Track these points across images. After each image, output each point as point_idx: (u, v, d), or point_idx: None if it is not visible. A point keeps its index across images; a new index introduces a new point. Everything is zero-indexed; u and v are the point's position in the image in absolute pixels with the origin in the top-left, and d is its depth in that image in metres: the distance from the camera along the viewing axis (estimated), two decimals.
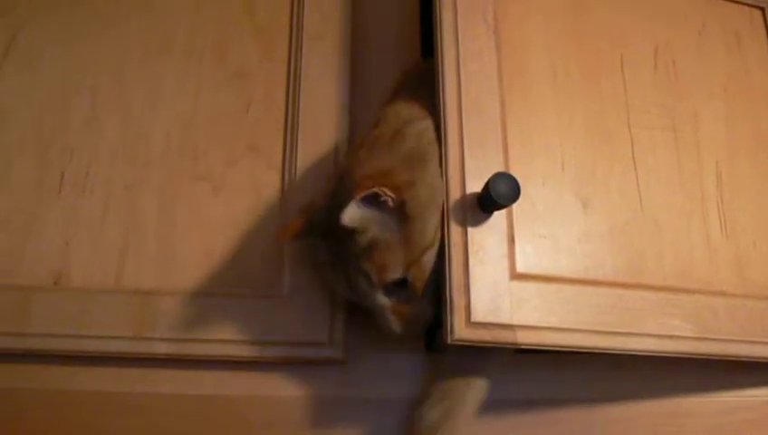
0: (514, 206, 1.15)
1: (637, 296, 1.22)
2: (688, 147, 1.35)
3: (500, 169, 1.17)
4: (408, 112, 1.24)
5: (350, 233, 1.10)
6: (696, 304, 1.25)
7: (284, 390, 1.28)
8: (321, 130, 1.41)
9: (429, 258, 1.13)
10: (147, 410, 1.28)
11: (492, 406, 1.28)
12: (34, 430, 1.27)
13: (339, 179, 1.17)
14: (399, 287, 1.14)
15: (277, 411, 1.28)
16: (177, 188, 1.38)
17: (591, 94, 1.32)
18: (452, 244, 1.13)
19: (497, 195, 1.10)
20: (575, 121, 1.29)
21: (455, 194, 1.16)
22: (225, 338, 1.28)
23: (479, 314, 1.11)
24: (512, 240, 1.17)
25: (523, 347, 1.14)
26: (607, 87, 1.34)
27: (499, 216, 1.16)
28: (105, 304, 1.30)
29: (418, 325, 1.18)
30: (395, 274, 1.11)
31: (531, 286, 1.16)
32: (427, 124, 1.21)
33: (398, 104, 1.29)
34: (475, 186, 1.16)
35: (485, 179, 1.13)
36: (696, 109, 1.39)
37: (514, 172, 1.14)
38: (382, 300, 1.15)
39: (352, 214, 1.08)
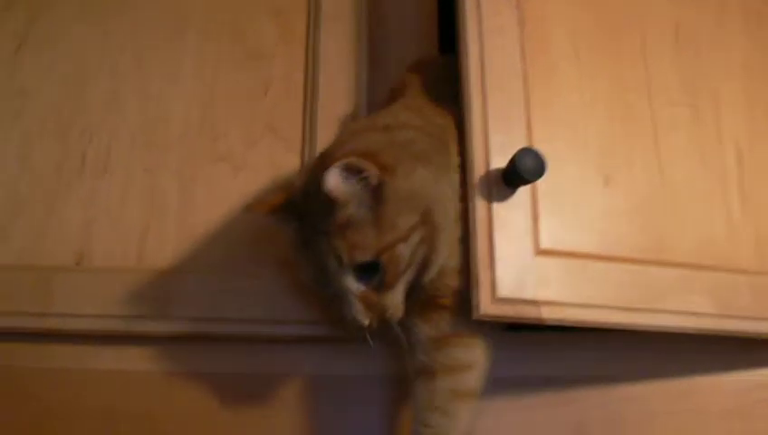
0: (538, 182, 1.14)
1: (659, 273, 1.22)
2: (709, 125, 1.35)
3: (524, 144, 1.16)
4: (405, 117, 1.23)
5: (326, 207, 1.04)
6: (717, 282, 1.25)
7: (301, 368, 1.28)
8: (340, 111, 1.41)
9: (403, 252, 1.06)
10: (168, 388, 1.30)
11: (510, 384, 1.29)
12: (56, 408, 1.28)
13: (319, 159, 1.13)
14: (370, 273, 1.07)
15: (294, 389, 1.29)
16: (197, 168, 1.39)
17: (613, 72, 1.31)
18: (477, 219, 1.13)
19: (524, 170, 1.10)
20: (597, 99, 1.28)
21: (479, 170, 1.16)
22: (243, 317, 1.29)
23: (504, 289, 1.11)
24: (536, 216, 1.17)
25: (547, 323, 1.13)
26: (628, 65, 1.33)
27: (523, 192, 1.16)
28: (126, 283, 1.29)
29: (384, 319, 1.10)
30: (365, 255, 1.04)
31: (555, 262, 1.15)
32: (419, 136, 1.17)
33: (395, 105, 1.29)
34: (499, 161, 1.16)
35: (509, 155, 1.13)
36: (717, 88, 1.38)
37: (538, 148, 1.14)
38: (351, 283, 1.07)
39: (335, 180, 1.03)
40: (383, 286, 1.07)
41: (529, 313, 1.12)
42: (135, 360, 1.31)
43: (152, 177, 1.37)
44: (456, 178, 1.17)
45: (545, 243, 1.16)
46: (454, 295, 1.15)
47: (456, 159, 1.19)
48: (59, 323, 1.30)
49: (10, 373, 1.30)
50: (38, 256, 1.34)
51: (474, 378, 1.14)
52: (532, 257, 1.14)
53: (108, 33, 1.49)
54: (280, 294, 1.27)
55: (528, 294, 1.12)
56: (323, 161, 1.08)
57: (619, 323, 1.18)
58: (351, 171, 1.03)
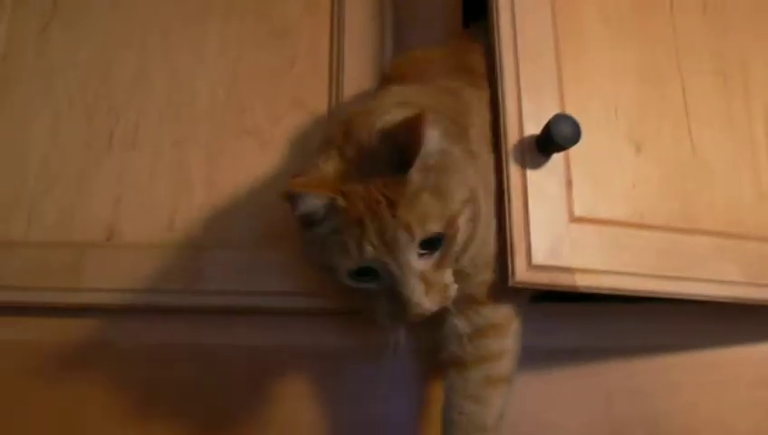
0: (570, 150, 1.15)
1: (690, 241, 1.22)
2: (738, 92, 1.34)
3: (556, 111, 1.17)
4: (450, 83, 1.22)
5: (392, 176, 0.96)
6: (748, 250, 1.25)
7: (330, 339, 1.28)
8: (366, 85, 1.41)
9: (462, 226, 0.99)
10: (197, 361, 1.31)
11: (537, 355, 1.29)
12: (91, 380, 1.29)
13: (380, 134, 1.01)
14: (432, 248, 0.99)
15: (323, 361, 1.30)
16: (224, 143, 1.39)
17: (643, 42, 1.31)
18: (511, 186, 1.14)
19: (559, 136, 1.10)
20: (628, 67, 1.29)
21: (513, 137, 1.16)
22: (271, 290, 1.29)
23: (539, 256, 1.12)
24: (569, 184, 1.17)
25: (581, 291, 1.14)
26: (657, 31, 1.33)
27: (557, 159, 1.17)
28: (156, 258, 1.30)
29: (444, 300, 1.02)
30: (436, 225, 0.96)
31: (588, 229, 1.16)
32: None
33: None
34: (532, 128, 1.16)
35: (542, 123, 1.14)
36: (746, 57, 1.37)
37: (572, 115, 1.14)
38: (415, 261, 0.98)
39: (433, 139, 0.97)
40: (441, 264, 1.00)
41: (564, 280, 1.13)
42: (166, 333, 1.32)
43: (180, 152, 1.38)
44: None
45: (579, 210, 1.17)
46: (489, 289, 1.14)
47: (476, 147, 1.15)
48: (91, 298, 1.30)
49: (45, 348, 1.31)
50: (69, 233, 1.35)
51: (505, 365, 1.14)
52: (567, 225, 1.15)
53: (134, 12, 1.49)
54: (308, 266, 1.27)
55: (563, 261, 1.13)
56: (361, 127, 1.02)
57: (652, 290, 1.18)
58: (437, 133, 0.98)
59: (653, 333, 1.35)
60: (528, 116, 1.17)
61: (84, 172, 1.38)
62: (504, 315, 1.14)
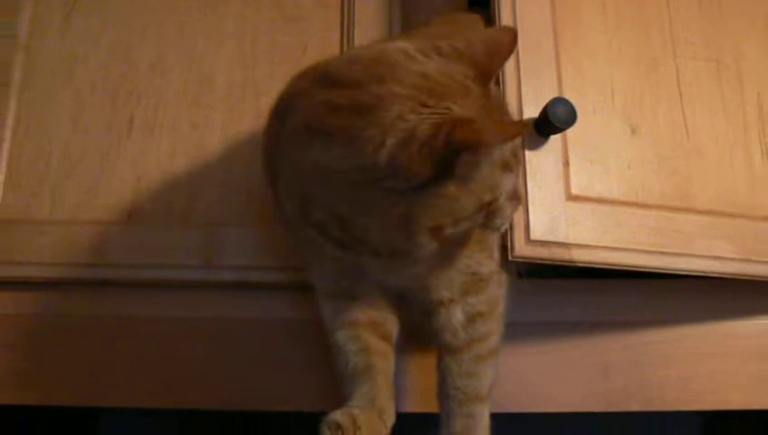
0: (568, 132, 1.21)
1: (684, 219, 1.28)
2: (731, 78, 1.39)
3: (554, 94, 1.22)
4: None
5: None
6: (740, 228, 1.30)
7: None
8: None
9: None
10: (215, 335, 1.36)
11: (536, 328, 1.35)
12: (112, 351, 1.36)
13: None
14: None
15: None
16: (241, 125, 1.45)
17: (639, 28, 1.36)
18: None
19: (555, 118, 1.16)
20: (623, 52, 1.34)
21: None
22: (286, 265, 1.35)
23: (537, 232, 1.18)
24: (566, 164, 1.23)
25: (578, 265, 1.19)
26: (654, 20, 1.38)
27: (554, 140, 1.22)
28: (176, 236, 1.36)
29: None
30: None
31: (585, 207, 1.22)
32: None
33: None
34: (531, 111, 1.22)
35: (541, 106, 1.19)
36: (739, 40, 1.42)
37: (568, 98, 1.19)
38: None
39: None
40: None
41: (561, 255, 1.18)
42: (185, 307, 1.37)
43: (198, 134, 1.44)
44: None
45: (576, 189, 1.22)
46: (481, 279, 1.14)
47: None
48: (114, 274, 1.38)
49: (69, 321, 1.38)
50: (92, 212, 1.41)
51: (493, 341, 1.16)
52: (564, 202, 1.21)
53: (140, 7, 1.55)
54: None
55: (560, 236, 1.19)
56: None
57: (646, 265, 1.23)
58: None
59: (649, 307, 1.40)
60: (527, 100, 1.22)
61: (106, 154, 1.44)
62: (492, 300, 1.15)
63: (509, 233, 1.16)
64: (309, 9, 1.52)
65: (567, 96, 1.21)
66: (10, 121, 1.46)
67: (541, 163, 1.21)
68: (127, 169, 1.42)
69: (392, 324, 1.18)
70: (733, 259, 1.28)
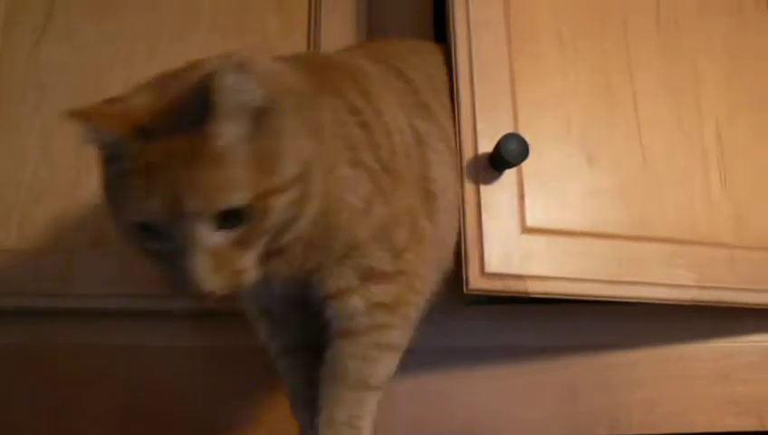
0: (524, 164, 1.22)
1: (642, 248, 1.30)
2: (689, 105, 1.42)
3: (510, 129, 1.24)
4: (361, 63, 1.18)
5: (191, 128, 0.81)
6: (698, 255, 1.33)
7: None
8: None
9: (280, 205, 0.85)
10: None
11: (505, 353, 1.36)
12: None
13: (191, 67, 0.91)
14: (235, 222, 0.83)
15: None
16: None
17: (596, 55, 1.38)
18: (465, 201, 1.21)
19: (508, 154, 1.18)
20: (581, 82, 1.36)
21: (468, 154, 1.23)
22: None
23: (492, 265, 1.20)
24: (522, 196, 1.25)
25: (533, 296, 1.21)
26: (611, 47, 1.40)
27: (510, 174, 1.24)
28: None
29: (236, 285, 0.86)
30: (239, 198, 0.81)
31: (540, 239, 1.24)
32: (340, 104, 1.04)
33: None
34: (486, 146, 1.24)
35: (496, 140, 1.21)
36: (697, 68, 1.45)
37: (524, 132, 1.22)
38: (205, 234, 0.82)
39: (230, 82, 0.80)
40: (245, 243, 0.86)
41: (516, 286, 1.20)
42: (149, 335, 1.39)
43: None
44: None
45: (531, 221, 1.24)
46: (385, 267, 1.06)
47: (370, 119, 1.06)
48: (79, 303, 1.38)
49: (37, 349, 1.39)
50: (59, 240, 1.42)
51: (396, 334, 1.07)
52: (519, 235, 1.23)
53: (122, 27, 1.56)
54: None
55: (514, 269, 1.21)
56: (196, 69, 0.87)
57: (603, 295, 1.26)
58: (246, 78, 0.82)
59: (615, 331, 1.42)
60: (482, 134, 1.24)
61: (74, 185, 1.45)
62: (397, 297, 1.06)
63: (463, 266, 1.18)
64: (275, 39, 1.53)
65: (523, 129, 1.25)
66: None
67: (495, 197, 1.23)
68: (94, 198, 1.41)
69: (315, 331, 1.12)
70: (691, 286, 1.31)
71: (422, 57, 1.33)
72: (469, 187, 1.22)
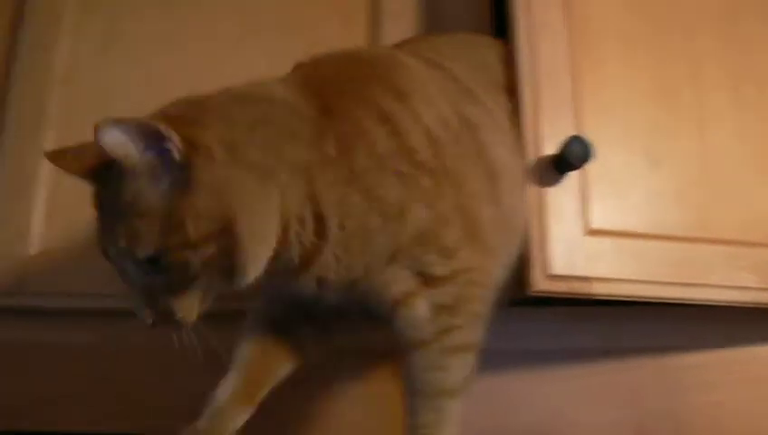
0: (588, 166, 1.23)
1: (705, 250, 1.29)
2: (753, 105, 1.40)
3: (573, 132, 1.24)
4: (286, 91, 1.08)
5: (119, 177, 0.88)
6: (761, 257, 1.32)
7: None
8: None
9: (192, 259, 0.88)
10: None
11: (570, 355, 1.37)
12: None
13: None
14: (155, 269, 0.89)
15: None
16: None
17: (659, 63, 1.37)
18: (529, 203, 1.22)
19: (572, 157, 1.19)
20: (644, 84, 1.35)
21: (531, 156, 1.24)
22: None
23: (556, 267, 1.20)
24: (585, 199, 1.25)
25: (597, 298, 1.22)
26: (675, 49, 1.39)
27: (573, 176, 1.24)
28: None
29: (171, 322, 0.94)
30: (145, 250, 0.87)
31: (604, 241, 1.24)
32: (285, 116, 1.01)
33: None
34: (549, 148, 1.24)
35: (559, 142, 1.21)
36: (762, 66, 1.44)
37: (586, 135, 1.21)
38: (135, 274, 0.90)
39: (115, 139, 0.85)
40: (174, 288, 0.91)
41: (581, 288, 1.21)
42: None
43: None
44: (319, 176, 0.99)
45: (595, 223, 1.24)
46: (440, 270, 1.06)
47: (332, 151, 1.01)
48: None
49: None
50: None
51: (464, 335, 1.08)
52: (582, 237, 1.23)
53: (186, 33, 1.59)
54: None
55: (579, 270, 1.21)
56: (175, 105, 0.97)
57: (666, 297, 1.26)
58: (149, 137, 0.86)
59: (681, 333, 1.42)
60: (546, 137, 1.25)
61: None
62: (460, 297, 1.07)
63: (527, 269, 1.19)
64: (336, 43, 1.54)
65: (586, 131, 1.24)
66: None
67: (559, 199, 1.23)
68: None
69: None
70: (752, 288, 1.30)
71: (472, 50, 1.35)
72: (533, 189, 1.22)
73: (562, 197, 1.23)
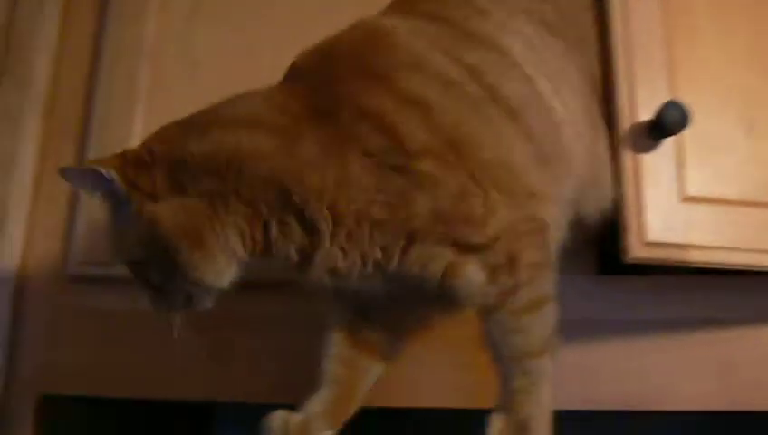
0: (684, 133, 1.21)
1: None
2: None
3: (668, 98, 1.22)
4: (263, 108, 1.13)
5: None
6: None
7: None
8: None
9: (152, 273, 1.07)
10: None
11: (665, 325, 1.34)
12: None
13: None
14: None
15: None
16: None
17: (754, 21, 1.35)
18: (624, 169, 1.22)
19: (669, 122, 1.17)
20: (739, 49, 1.33)
21: (626, 122, 1.23)
22: None
23: (653, 234, 1.19)
24: (681, 165, 1.24)
25: (694, 266, 1.21)
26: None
27: (669, 142, 1.23)
28: None
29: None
30: (120, 259, 1.08)
31: (700, 208, 1.23)
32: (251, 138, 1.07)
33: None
34: (644, 114, 1.23)
35: (654, 109, 1.20)
36: None
37: (681, 101, 1.20)
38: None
39: (73, 181, 1.08)
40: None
41: (678, 255, 1.20)
42: None
43: None
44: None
45: (691, 190, 1.23)
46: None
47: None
48: None
49: None
50: None
51: (530, 292, 1.06)
52: (679, 203, 1.22)
53: (273, 6, 1.58)
54: None
55: (676, 238, 1.20)
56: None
57: (762, 265, 1.24)
58: (96, 179, 1.02)
59: None
60: (640, 103, 1.23)
61: None
62: (509, 252, 1.05)
63: (623, 236, 1.18)
64: None
65: (681, 98, 1.22)
66: (138, 129, 1.52)
67: (654, 165, 1.22)
68: None
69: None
70: None
71: None
72: (627, 155, 1.22)
73: (658, 163, 1.23)
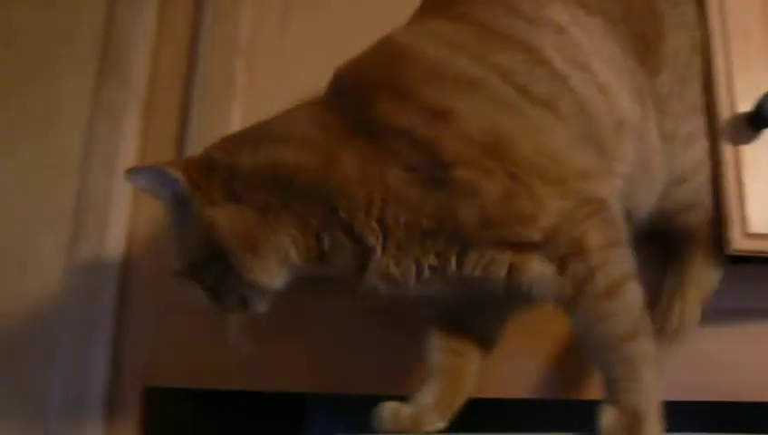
0: None
1: None
2: None
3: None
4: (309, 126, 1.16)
5: None
6: None
7: None
8: None
9: (205, 275, 1.12)
10: None
11: (743, 314, 1.33)
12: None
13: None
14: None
15: None
16: None
17: None
18: (724, 161, 1.21)
19: None
20: None
21: (725, 114, 1.23)
22: None
23: (755, 225, 1.19)
24: None
25: None
26: None
27: None
28: None
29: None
30: (178, 263, 1.12)
31: None
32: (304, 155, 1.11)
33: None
34: (744, 106, 1.22)
35: (754, 99, 1.20)
36: None
37: None
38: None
39: (138, 182, 1.10)
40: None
41: None
42: None
43: None
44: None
45: None
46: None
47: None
48: None
49: None
50: None
51: (606, 276, 1.03)
52: None
53: (362, 4, 1.59)
54: None
55: None
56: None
57: None
58: (164, 179, 1.07)
59: None
60: (740, 93, 1.23)
61: None
62: (572, 240, 1.03)
63: (725, 228, 1.19)
64: None
65: None
66: (236, 125, 1.53)
67: (756, 156, 1.22)
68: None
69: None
70: None
71: None
72: (727, 147, 1.22)
73: (759, 154, 1.22)
